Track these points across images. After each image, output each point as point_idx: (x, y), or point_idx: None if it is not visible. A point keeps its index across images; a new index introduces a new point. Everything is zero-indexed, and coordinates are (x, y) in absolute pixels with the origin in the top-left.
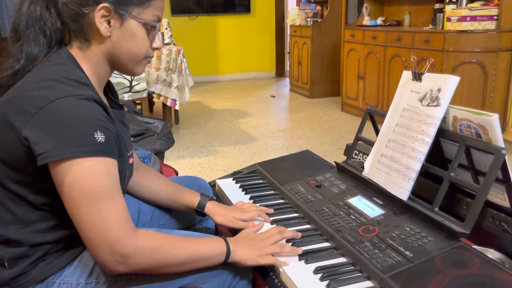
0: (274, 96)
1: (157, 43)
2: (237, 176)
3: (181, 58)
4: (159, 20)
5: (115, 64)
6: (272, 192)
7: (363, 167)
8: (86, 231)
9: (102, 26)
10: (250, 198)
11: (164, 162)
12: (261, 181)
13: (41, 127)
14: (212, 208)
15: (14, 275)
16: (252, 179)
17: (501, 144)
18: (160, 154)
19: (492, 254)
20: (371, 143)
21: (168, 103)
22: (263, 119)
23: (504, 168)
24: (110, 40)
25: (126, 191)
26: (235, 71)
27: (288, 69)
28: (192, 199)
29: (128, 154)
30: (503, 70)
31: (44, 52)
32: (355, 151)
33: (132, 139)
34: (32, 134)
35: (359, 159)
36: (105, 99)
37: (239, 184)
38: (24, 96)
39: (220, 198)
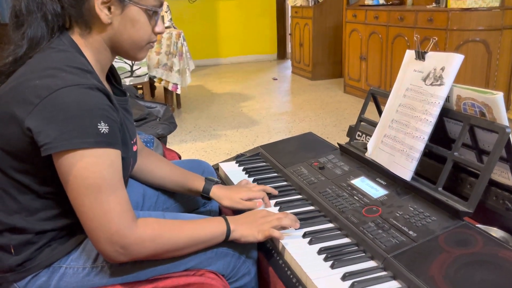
0: (276, 79)
1: (159, 27)
2: (240, 159)
3: (181, 42)
4: (160, 5)
5: (117, 50)
6: (275, 174)
7: (366, 148)
8: (88, 221)
9: (102, 13)
10: (254, 181)
11: (167, 146)
12: (264, 163)
13: (44, 117)
14: (217, 192)
15: (20, 261)
16: (255, 162)
17: (506, 122)
18: (162, 139)
19: (496, 232)
20: (374, 124)
21: (170, 88)
22: (265, 102)
23: (508, 147)
24: (112, 27)
25: (130, 175)
26: (236, 54)
27: (290, 51)
28: (197, 183)
29: (132, 141)
30: (507, 49)
31: (46, 38)
32: (358, 132)
33: (134, 123)
34: (34, 124)
35: (362, 140)
36: (108, 86)
37: (242, 167)
38: (26, 85)
39: (224, 181)
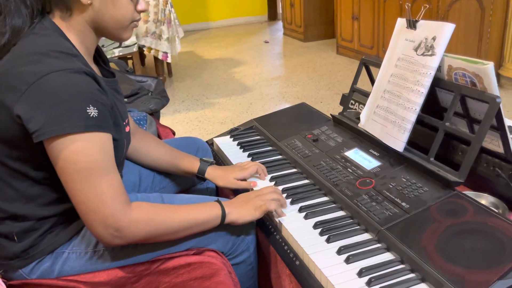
0: (268, 42)
1: (141, 5)
2: (234, 133)
3: (169, 8)
4: None
5: (101, 31)
6: (270, 148)
7: (359, 118)
8: (81, 205)
9: None
10: (248, 156)
11: (161, 118)
12: (258, 137)
13: (32, 104)
14: (212, 172)
15: (24, 248)
16: (249, 135)
17: (496, 92)
18: (155, 113)
19: (486, 198)
20: (366, 94)
21: (160, 56)
22: (257, 67)
23: (498, 116)
24: (92, 7)
25: (125, 157)
26: (225, 16)
27: (281, 12)
28: (192, 165)
29: (124, 123)
30: (500, 4)
31: (28, 23)
32: (352, 101)
33: (126, 100)
34: (23, 111)
35: (356, 108)
36: (96, 68)
37: (236, 142)
38: (13, 72)
39: (219, 156)
